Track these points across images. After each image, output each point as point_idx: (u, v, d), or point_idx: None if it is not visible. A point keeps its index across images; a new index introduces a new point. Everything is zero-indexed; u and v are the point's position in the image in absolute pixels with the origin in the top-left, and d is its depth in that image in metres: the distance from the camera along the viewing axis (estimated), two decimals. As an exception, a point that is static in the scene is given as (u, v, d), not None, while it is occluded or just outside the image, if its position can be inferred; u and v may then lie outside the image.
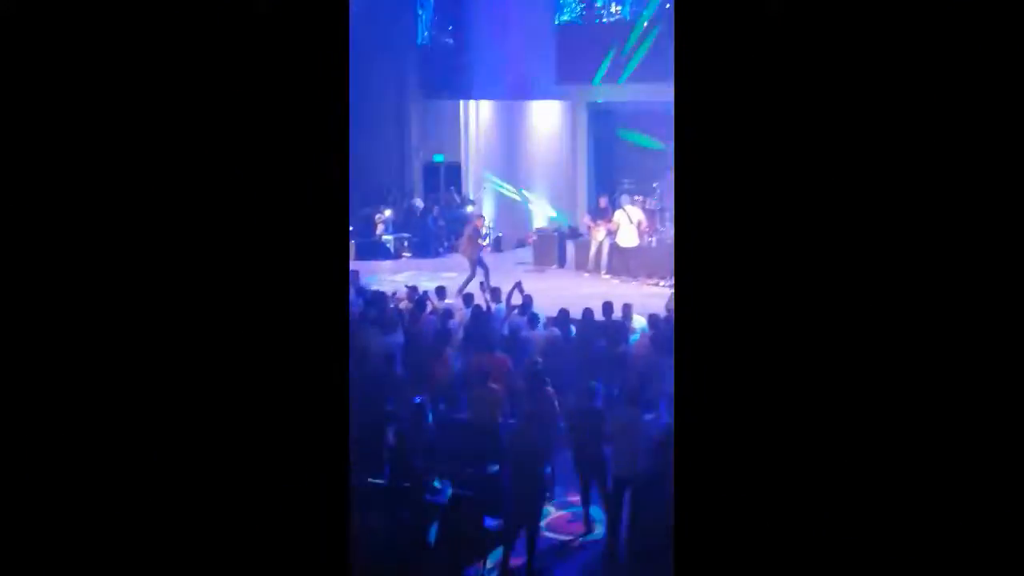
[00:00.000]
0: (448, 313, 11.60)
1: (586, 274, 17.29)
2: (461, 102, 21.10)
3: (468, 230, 16.34)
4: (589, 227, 17.53)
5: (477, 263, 15.57)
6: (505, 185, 20.51)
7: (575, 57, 19.34)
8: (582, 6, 19.70)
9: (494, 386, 8.98)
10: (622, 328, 10.95)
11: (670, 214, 17.34)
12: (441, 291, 12.54)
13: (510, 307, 11.71)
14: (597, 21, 19.60)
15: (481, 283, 12.49)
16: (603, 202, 17.63)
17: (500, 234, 20.82)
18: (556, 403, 8.70)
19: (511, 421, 8.62)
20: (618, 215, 16.90)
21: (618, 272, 16.90)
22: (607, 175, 20.21)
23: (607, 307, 11.33)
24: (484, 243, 16.31)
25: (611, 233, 17.06)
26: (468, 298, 12.01)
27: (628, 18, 19.10)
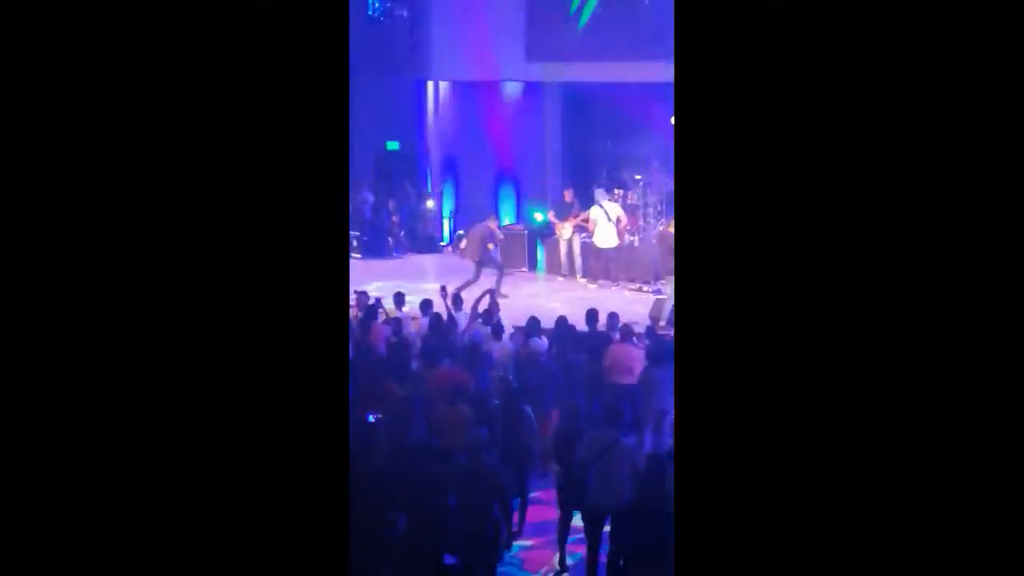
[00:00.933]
0: (399, 322, 11.51)
1: (560, 278, 17.28)
2: (418, 82, 21.00)
3: (479, 230, 16.16)
4: (555, 224, 17.42)
5: (487, 266, 15.54)
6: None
7: (547, 32, 19.25)
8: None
9: (463, 407, 8.90)
10: (602, 340, 10.92)
11: (655, 210, 17.35)
12: (399, 297, 12.47)
13: (474, 316, 11.66)
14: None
15: (442, 287, 12.43)
16: (568, 195, 17.45)
17: (461, 232, 20.79)
18: (533, 426, 8.66)
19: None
20: (595, 211, 16.72)
21: (596, 275, 16.88)
22: (584, 164, 20.16)
23: (591, 315, 11.30)
24: (490, 247, 16.14)
25: (582, 231, 16.99)
26: (426, 305, 11.96)
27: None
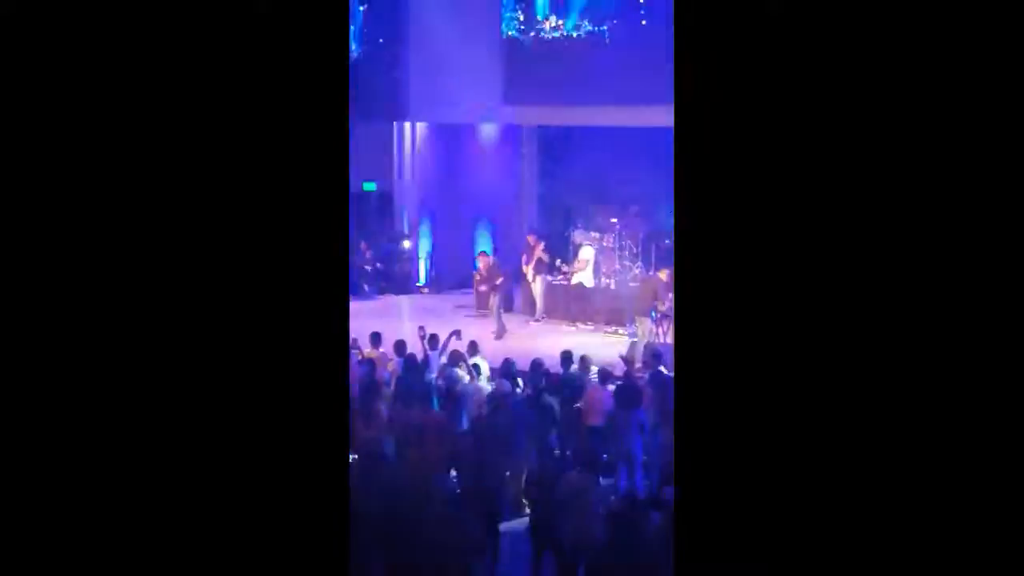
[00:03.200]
0: (372, 363, 11.43)
1: (532, 321, 17.33)
2: (395, 124, 21.05)
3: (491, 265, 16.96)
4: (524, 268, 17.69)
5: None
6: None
7: (524, 75, 19.38)
8: (519, 19, 19.63)
9: (437, 451, 8.82)
10: (576, 381, 10.91)
11: (631, 253, 17.45)
12: (376, 337, 12.39)
13: (448, 357, 11.61)
14: (539, 36, 19.61)
15: (420, 327, 12.39)
16: (531, 239, 17.74)
17: (434, 273, 20.84)
18: (507, 468, 8.62)
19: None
20: (585, 251, 17.23)
21: (576, 317, 17.09)
22: (560, 207, 20.22)
23: (565, 358, 11.31)
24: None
25: (545, 271, 17.29)
26: (400, 346, 11.90)
27: (573, 34, 19.15)
